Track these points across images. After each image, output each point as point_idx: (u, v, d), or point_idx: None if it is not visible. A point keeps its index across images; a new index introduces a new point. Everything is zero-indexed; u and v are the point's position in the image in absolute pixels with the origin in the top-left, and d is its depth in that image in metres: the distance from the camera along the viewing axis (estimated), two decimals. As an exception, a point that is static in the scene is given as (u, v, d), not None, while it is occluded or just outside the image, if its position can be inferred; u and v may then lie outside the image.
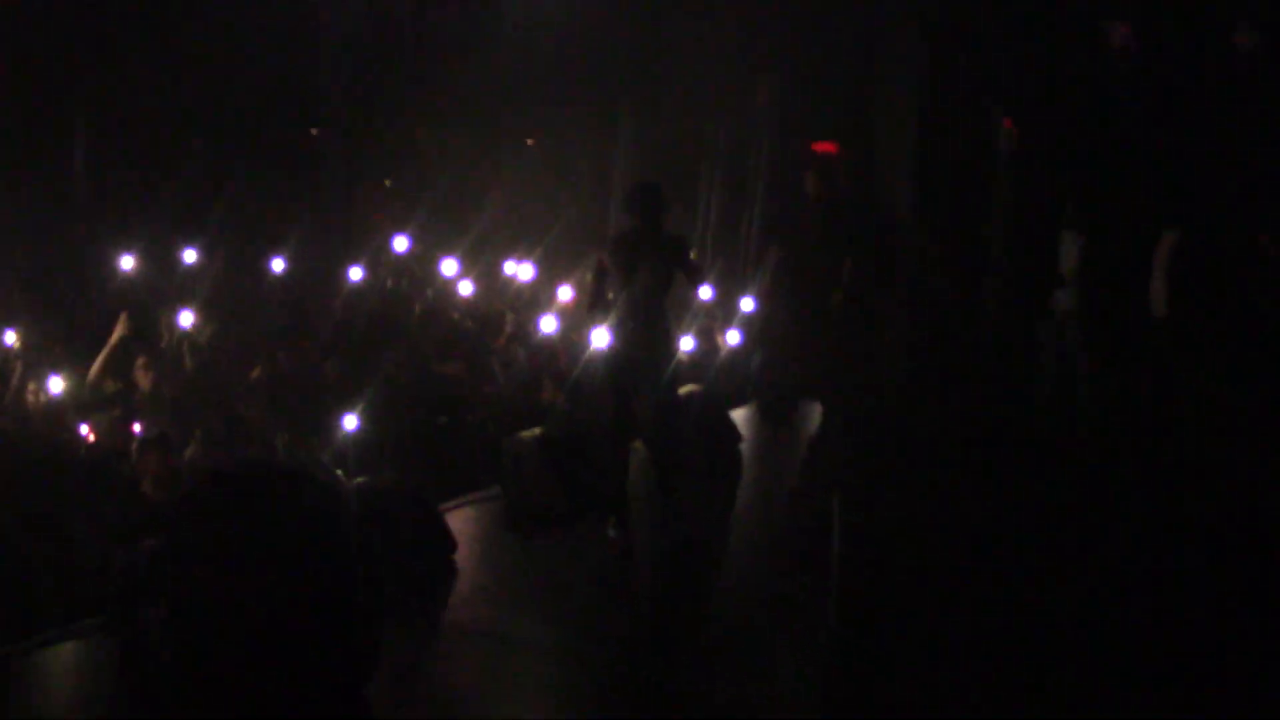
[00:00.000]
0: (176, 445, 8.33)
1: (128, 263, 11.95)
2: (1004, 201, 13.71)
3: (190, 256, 13.12)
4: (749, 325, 12.26)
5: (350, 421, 8.75)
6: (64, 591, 6.84)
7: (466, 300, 11.89)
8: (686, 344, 11.90)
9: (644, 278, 8.74)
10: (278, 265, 12.57)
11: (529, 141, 17.76)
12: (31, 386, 8.97)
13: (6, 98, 16.33)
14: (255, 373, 9.68)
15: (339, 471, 8.53)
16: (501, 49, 16.87)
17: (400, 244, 12.75)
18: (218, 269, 12.71)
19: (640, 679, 6.20)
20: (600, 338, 10.77)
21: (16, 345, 9.79)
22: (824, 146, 15.75)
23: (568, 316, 11.47)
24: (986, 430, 10.72)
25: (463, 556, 7.84)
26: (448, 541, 7.79)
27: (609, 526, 8.36)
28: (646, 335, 8.87)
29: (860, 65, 14.85)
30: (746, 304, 11.70)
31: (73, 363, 9.75)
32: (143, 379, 9.62)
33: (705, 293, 12.86)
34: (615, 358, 8.60)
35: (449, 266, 12.20)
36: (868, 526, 8.20)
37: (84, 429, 8.56)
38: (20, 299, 10.65)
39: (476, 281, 12.17)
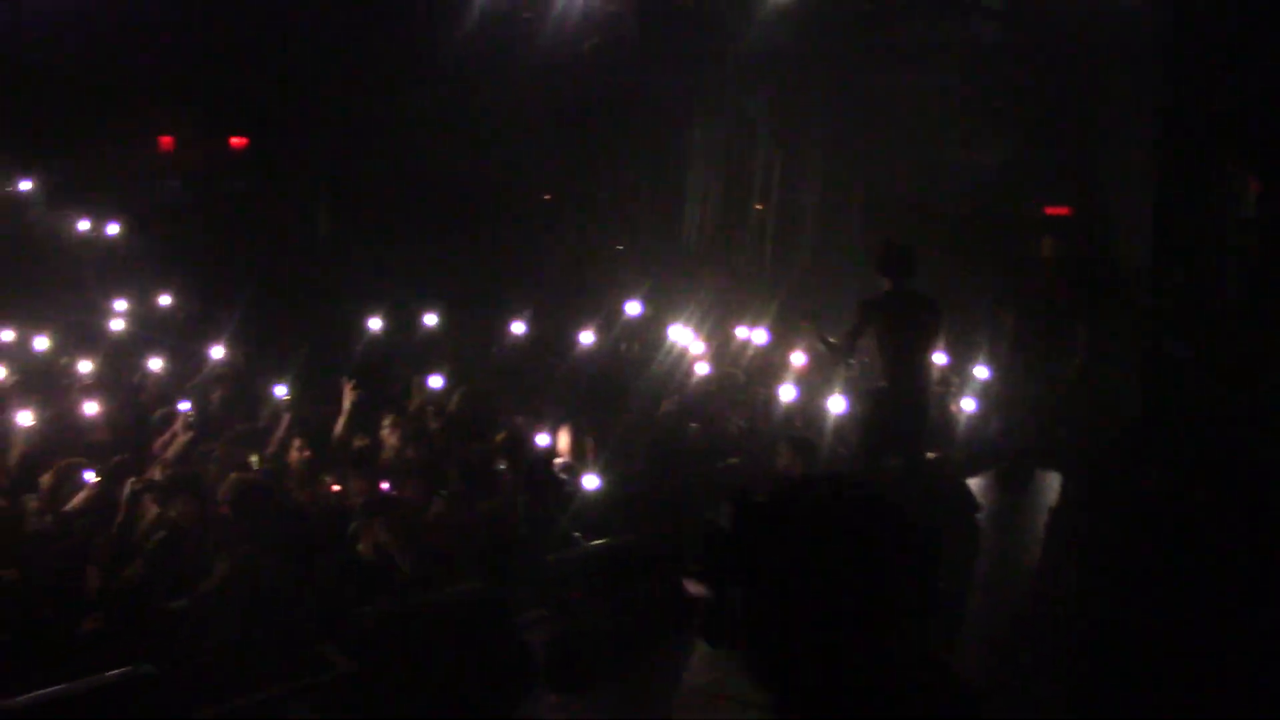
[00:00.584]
0: (407, 506, 8.52)
1: (375, 324, 12.38)
2: (1248, 266, 13.31)
3: (431, 320, 13.51)
4: (985, 391, 12.08)
5: (591, 481, 8.88)
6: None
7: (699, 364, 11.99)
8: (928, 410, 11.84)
9: (903, 340, 8.74)
10: (517, 329, 12.86)
11: (758, 207, 17.89)
12: (297, 443, 9.33)
13: (256, 172, 17.28)
14: (500, 436, 9.91)
15: (577, 533, 8.67)
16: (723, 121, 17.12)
17: (632, 308, 12.91)
18: (458, 332, 13.08)
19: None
20: (838, 404, 10.80)
21: (286, 399, 10.21)
22: (1057, 210, 15.57)
23: (803, 383, 11.48)
24: (1232, 497, 10.34)
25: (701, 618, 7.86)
26: (681, 605, 7.83)
27: None
28: (905, 399, 8.86)
29: (1092, 125, 14.62)
30: (980, 371, 11.56)
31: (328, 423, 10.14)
32: (389, 438, 9.92)
33: (940, 358, 12.78)
34: (871, 420, 8.59)
35: (680, 332, 12.30)
36: (1114, 600, 8.04)
37: (335, 487, 8.84)
38: (291, 359, 11.13)
39: (708, 346, 12.26)
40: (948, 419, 12.28)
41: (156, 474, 8.67)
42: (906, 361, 8.58)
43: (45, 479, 8.45)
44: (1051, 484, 11.07)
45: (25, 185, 16.13)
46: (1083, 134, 14.70)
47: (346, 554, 7.77)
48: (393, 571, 7.63)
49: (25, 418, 9.34)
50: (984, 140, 16.22)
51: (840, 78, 16.05)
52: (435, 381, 10.89)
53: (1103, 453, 11.33)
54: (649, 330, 12.95)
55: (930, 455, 10.59)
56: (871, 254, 8.86)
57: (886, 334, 8.56)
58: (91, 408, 9.97)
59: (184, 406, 10.09)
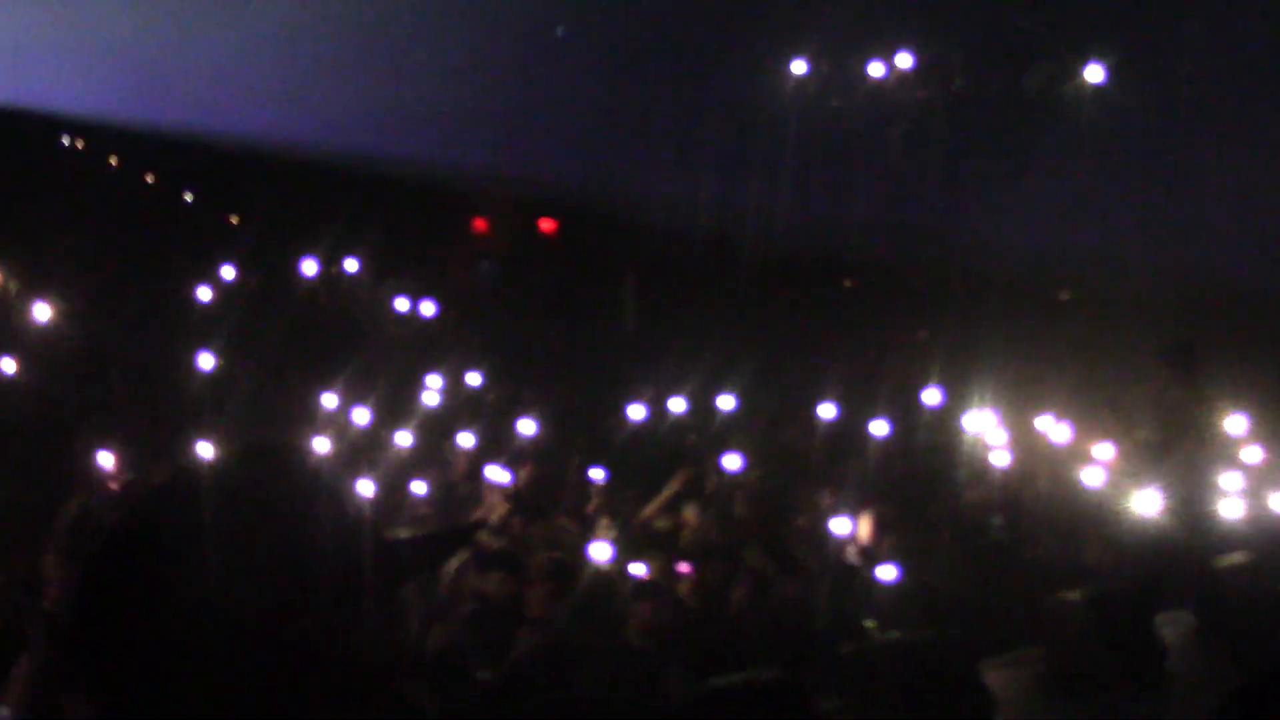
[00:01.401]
0: (706, 589, 8.67)
1: (678, 405, 12.69)
2: None
3: (727, 402, 13.75)
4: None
5: (889, 572, 8.86)
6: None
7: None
8: (1235, 508, 11.36)
9: (1192, 440, 8.50)
10: (827, 412, 12.97)
11: (1063, 296, 17.59)
12: (605, 522, 9.66)
13: (565, 257, 18.00)
14: (802, 520, 10.02)
15: (870, 624, 8.65)
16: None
17: (932, 397, 12.85)
18: (758, 415, 13.28)
19: None
20: (1150, 501, 10.48)
21: (599, 484, 10.59)
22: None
23: (1112, 472, 11.20)
24: None
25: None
26: (986, 701, 7.71)
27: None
28: (1191, 500, 8.58)
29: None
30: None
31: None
32: (691, 518, 10.15)
33: (1255, 454, 12.24)
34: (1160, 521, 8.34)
35: (979, 419, 12.17)
36: None
37: (638, 569, 9.06)
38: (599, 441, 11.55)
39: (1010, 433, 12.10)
40: (1261, 517, 11.75)
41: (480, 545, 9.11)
42: (1191, 464, 8.38)
43: None
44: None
45: (350, 264, 17.08)
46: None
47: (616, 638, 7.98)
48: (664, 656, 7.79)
49: (366, 487, 9.92)
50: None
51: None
52: (733, 462, 11.04)
53: None
54: (948, 418, 12.85)
55: (1238, 557, 10.19)
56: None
57: (1178, 433, 8.34)
58: (420, 486, 10.47)
59: (503, 478, 10.55)
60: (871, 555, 9.63)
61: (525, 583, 8.42)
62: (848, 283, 19.21)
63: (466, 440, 11.90)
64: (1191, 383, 8.08)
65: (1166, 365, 8.30)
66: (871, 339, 17.95)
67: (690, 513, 10.08)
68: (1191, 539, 10.81)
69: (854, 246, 17.92)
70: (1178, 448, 8.17)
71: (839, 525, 9.69)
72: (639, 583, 8.43)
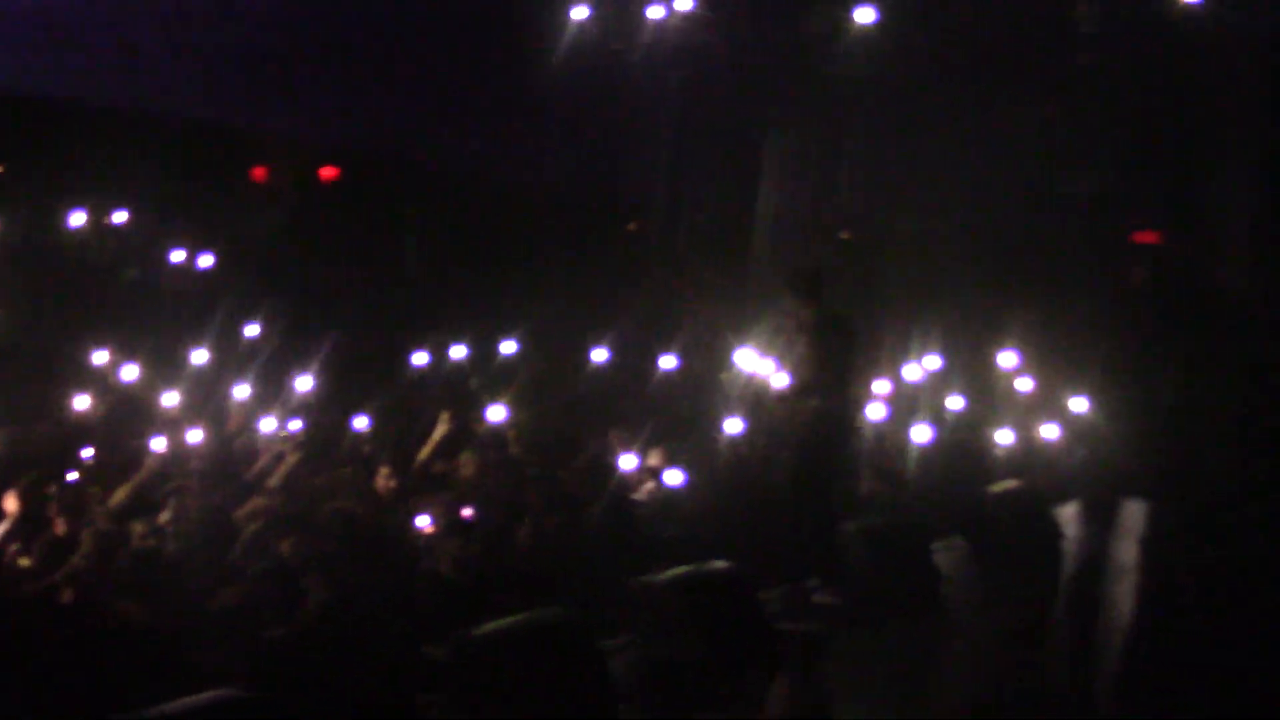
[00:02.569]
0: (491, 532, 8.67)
1: (458, 352, 12.57)
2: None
3: (509, 347, 13.67)
4: (1072, 419, 11.99)
5: (675, 476, 9.05)
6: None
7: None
8: (1005, 437, 11.79)
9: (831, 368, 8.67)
10: (599, 355, 12.99)
11: (844, 236, 17.89)
12: (384, 471, 9.54)
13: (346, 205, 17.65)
14: (582, 460, 10.05)
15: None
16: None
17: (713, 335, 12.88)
18: (539, 360, 13.25)
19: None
20: (924, 432, 10.82)
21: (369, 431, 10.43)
22: (1148, 236, 15.44)
23: (894, 403, 11.49)
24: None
25: (785, 646, 7.89)
26: (767, 630, 7.86)
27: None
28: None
29: (1190, 151, 14.50)
30: (1075, 394, 11.45)
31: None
32: (465, 462, 10.11)
33: (1024, 384, 12.70)
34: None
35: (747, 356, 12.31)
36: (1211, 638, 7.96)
37: (421, 520, 9.00)
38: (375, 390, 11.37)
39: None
40: (1030, 446, 12.22)
41: (261, 502, 8.92)
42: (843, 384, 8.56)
43: (166, 508, 8.73)
44: (1141, 517, 10.96)
45: (120, 216, 16.42)
46: (1181, 160, 14.59)
47: (431, 576, 7.95)
48: (479, 591, 7.79)
49: (159, 444, 9.65)
50: (1081, 168, 16.15)
51: (941, 106, 16.03)
52: (497, 413, 11.00)
53: (1199, 487, 11.20)
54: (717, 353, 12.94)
55: (1009, 484, 10.58)
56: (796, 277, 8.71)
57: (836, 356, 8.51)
58: (195, 435, 10.20)
59: (294, 426, 10.39)
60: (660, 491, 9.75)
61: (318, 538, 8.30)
62: (632, 226, 19.25)
63: (242, 393, 11.57)
64: (819, 307, 8.27)
65: (792, 292, 8.45)
66: (658, 281, 18.05)
67: (465, 456, 10.05)
68: (954, 468, 11.21)
69: (637, 191, 18.00)
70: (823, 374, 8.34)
71: (626, 462, 9.74)
72: (448, 522, 8.40)
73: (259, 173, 19.44)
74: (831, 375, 8.33)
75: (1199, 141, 14.29)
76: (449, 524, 8.29)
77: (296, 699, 6.48)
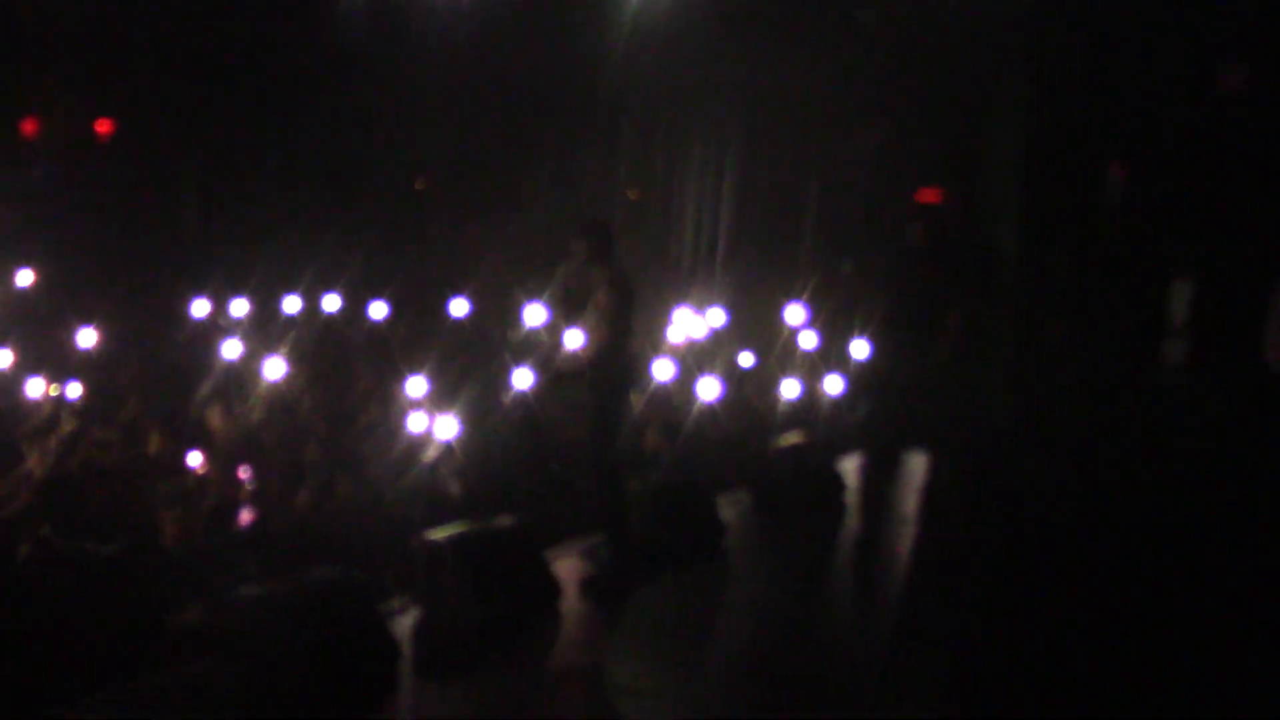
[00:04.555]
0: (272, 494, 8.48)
1: (240, 308, 12.28)
2: (1112, 249, 13.56)
3: (293, 305, 13.39)
4: (855, 374, 12.19)
5: (448, 426, 9.00)
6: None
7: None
8: (792, 390, 11.92)
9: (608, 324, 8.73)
10: (377, 311, 12.84)
11: (631, 195, 17.95)
12: (155, 435, 9.24)
13: (124, 152, 16.93)
14: (363, 418, 9.87)
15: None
16: (598, 100, 17.09)
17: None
18: (314, 317, 13.02)
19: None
20: (710, 388, 10.84)
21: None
22: (928, 195, 15.77)
23: (681, 360, 11.50)
24: (1096, 482, 10.55)
25: (570, 602, 7.84)
26: (551, 586, 7.81)
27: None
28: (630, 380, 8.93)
29: (964, 111, 14.80)
30: (858, 348, 11.62)
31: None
32: (215, 419, 9.89)
33: (809, 340, 12.87)
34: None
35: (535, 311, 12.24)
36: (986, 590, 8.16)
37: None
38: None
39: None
40: (815, 400, 12.40)
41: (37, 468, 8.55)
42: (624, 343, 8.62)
43: None
44: (920, 468, 11.22)
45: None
46: (956, 120, 14.89)
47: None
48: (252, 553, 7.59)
49: None
50: (860, 127, 16.40)
51: (719, 67, 16.08)
52: (274, 368, 10.79)
53: (975, 439, 11.52)
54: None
55: (794, 437, 10.70)
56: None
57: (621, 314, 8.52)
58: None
59: (72, 391, 10.02)
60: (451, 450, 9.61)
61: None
62: (419, 185, 19.00)
63: (5, 358, 11.00)
64: (608, 265, 8.27)
65: (583, 248, 8.43)
66: (445, 238, 17.90)
67: (214, 414, 9.82)
68: (739, 422, 11.31)
69: (425, 147, 17.76)
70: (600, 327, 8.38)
71: (416, 422, 9.55)
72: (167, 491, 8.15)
73: (29, 126, 18.58)
74: (614, 334, 8.26)
75: (973, 100, 14.61)
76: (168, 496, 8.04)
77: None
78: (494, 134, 17.90)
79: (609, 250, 8.37)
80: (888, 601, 8.10)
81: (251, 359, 11.42)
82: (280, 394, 10.67)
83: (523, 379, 9.86)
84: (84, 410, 9.99)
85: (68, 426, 9.46)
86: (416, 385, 10.35)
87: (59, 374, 10.92)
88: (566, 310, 10.05)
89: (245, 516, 7.92)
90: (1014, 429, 12.20)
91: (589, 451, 8.45)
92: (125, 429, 9.66)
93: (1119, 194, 12.84)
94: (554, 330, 10.67)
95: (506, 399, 10.69)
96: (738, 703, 6.31)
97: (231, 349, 11.30)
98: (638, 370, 8.83)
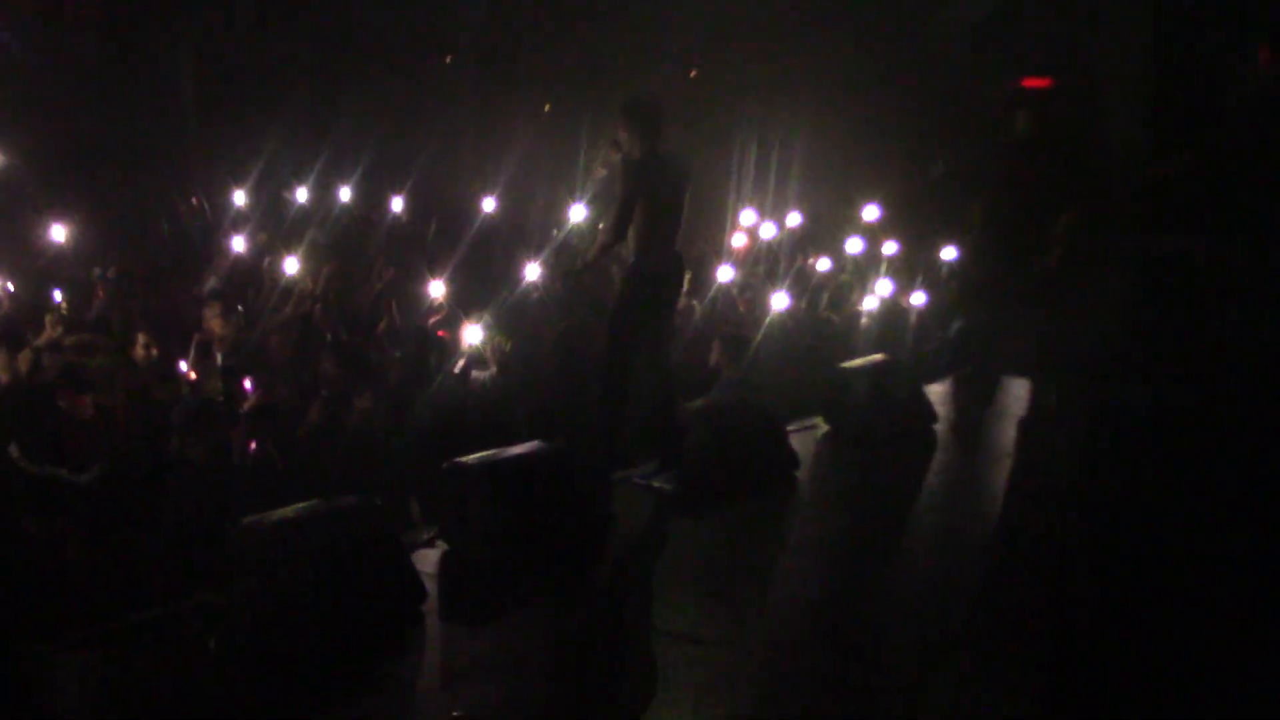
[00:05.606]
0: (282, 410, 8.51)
1: (240, 198, 12.30)
2: (1249, 150, 13.33)
3: (303, 194, 13.47)
4: (947, 285, 12.12)
5: (474, 334, 9.21)
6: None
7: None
8: (872, 304, 11.87)
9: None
10: (397, 204, 12.86)
11: (691, 73, 17.87)
12: (142, 339, 9.26)
13: (115, 32, 16.90)
14: (381, 325, 9.91)
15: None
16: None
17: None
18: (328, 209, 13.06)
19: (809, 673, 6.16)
20: (780, 300, 10.81)
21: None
22: (1036, 81, 15.56)
23: (747, 267, 11.48)
24: (1222, 414, 10.40)
25: (618, 538, 7.86)
26: (597, 520, 7.82)
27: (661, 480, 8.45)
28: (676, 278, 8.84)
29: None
30: (948, 252, 11.54)
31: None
32: (213, 322, 9.94)
33: (890, 247, 12.80)
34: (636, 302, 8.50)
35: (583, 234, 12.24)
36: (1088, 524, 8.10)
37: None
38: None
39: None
40: (898, 316, 12.32)
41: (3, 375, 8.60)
42: (673, 235, 8.43)
43: None
44: (1020, 394, 11.15)
45: None
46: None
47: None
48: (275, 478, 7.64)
49: None
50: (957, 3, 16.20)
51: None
52: (291, 265, 10.90)
53: (1084, 362, 11.41)
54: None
55: (876, 358, 10.65)
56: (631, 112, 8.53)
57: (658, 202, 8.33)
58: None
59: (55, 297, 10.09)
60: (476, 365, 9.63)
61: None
62: (448, 58, 18.95)
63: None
64: (651, 144, 8.09)
65: (625, 123, 8.26)
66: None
67: (212, 314, 9.87)
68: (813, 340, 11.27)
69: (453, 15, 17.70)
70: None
71: (473, 334, 9.58)
72: (254, 405, 8.16)
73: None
74: (652, 225, 8.15)
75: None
76: (258, 408, 8.05)
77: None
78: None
79: (649, 130, 8.23)
80: (979, 549, 8.05)
81: (256, 255, 11.49)
82: (290, 294, 10.71)
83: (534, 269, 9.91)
84: (68, 317, 10.01)
85: (50, 333, 9.49)
86: (438, 287, 10.38)
87: (18, 270, 11.01)
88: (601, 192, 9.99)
89: (250, 436, 7.91)
90: (1129, 351, 12.06)
91: (623, 366, 8.39)
92: (107, 331, 9.71)
93: (1263, 85, 12.56)
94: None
95: (540, 308, 10.73)
96: (809, 658, 6.31)
97: (235, 243, 11.36)
98: (678, 274, 8.67)
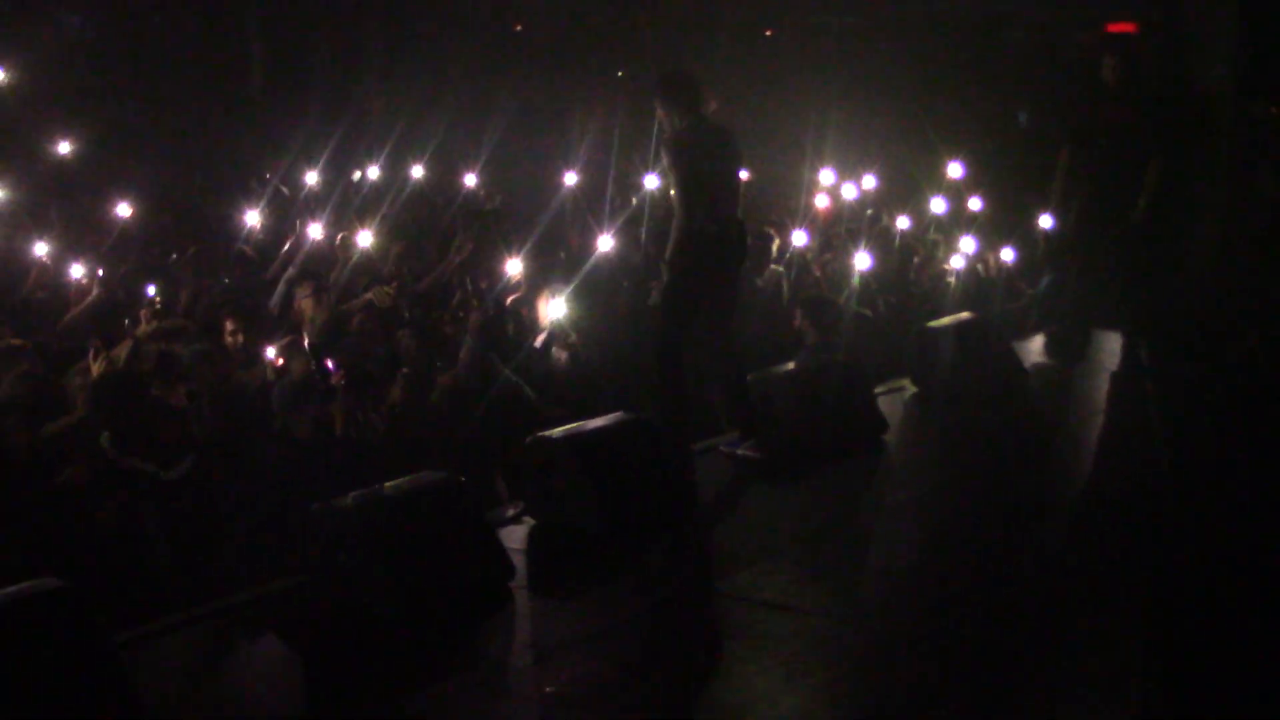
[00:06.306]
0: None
1: (312, 178, 12.42)
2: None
3: (375, 173, 13.58)
4: (1035, 240, 12.03)
5: (558, 308, 9.41)
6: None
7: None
8: (958, 263, 11.81)
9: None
10: (470, 180, 12.95)
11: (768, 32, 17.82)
12: (229, 325, 9.35)
13: (181, 16, 17.07)
14: (455, 301, 10.02)
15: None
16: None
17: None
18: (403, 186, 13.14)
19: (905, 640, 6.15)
20: (863, 260, 10.79)
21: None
22: (1122, 26, 15.39)
23: (823, 230, 11.43)
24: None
25: (706, 509, 7.89)
26: (684, 492, 7.85)
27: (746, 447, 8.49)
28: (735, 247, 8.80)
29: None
30: (1045, 220, 11.46)
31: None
32: (306, 305, 10.02)
33: (975, 203, 12.71)
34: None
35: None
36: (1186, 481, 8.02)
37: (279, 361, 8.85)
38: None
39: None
40: (988, 272, 12.27)
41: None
42: (722, 202, 8.37)
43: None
44: (1113, 349, 11.05)
45: None
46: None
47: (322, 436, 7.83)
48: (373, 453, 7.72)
49: None
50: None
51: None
52: (365, 239, 11.04)
53: (1180, 314, 11.29)
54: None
55: (964, 315, 10.59)
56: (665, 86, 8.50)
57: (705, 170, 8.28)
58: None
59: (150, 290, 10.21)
60: (557, 339, 9.69)
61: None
62: (518, 26, 18.98)
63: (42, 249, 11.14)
64: (694, 116, 8.06)
65: (662, 97, 8.23)
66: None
67: (305, 299, 9.97)
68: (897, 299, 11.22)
69: None
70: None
71: (555, 309, 9.65)
72: (348, 380, 8.24)
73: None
74: (695, 193, 8.12)
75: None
76: (352, 382, 8.12)
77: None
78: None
79: (686, 105, 8.20)
80: (1072, 513, 8.00)
81: (331, 235, 11.58)
82: (369, 272, 10.80)
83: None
84: (163, 309, 10.11)
85: (146, 326, 9.59)
86: (515, 265, 10.44)
87: (105, 256, 11.14)
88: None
89: (349, 410, 8.00)
90: (1224, 305, 11.92)
91: (683, 334, 8.38)
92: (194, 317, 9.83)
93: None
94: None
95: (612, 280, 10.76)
96: (904, 625, 6.31)
97: (312, 225, 11.45)
98: (734, 242, 8.62)
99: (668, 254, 8.30)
